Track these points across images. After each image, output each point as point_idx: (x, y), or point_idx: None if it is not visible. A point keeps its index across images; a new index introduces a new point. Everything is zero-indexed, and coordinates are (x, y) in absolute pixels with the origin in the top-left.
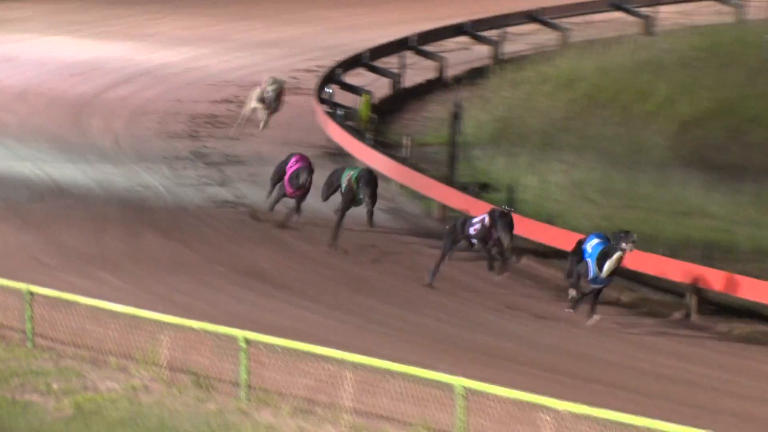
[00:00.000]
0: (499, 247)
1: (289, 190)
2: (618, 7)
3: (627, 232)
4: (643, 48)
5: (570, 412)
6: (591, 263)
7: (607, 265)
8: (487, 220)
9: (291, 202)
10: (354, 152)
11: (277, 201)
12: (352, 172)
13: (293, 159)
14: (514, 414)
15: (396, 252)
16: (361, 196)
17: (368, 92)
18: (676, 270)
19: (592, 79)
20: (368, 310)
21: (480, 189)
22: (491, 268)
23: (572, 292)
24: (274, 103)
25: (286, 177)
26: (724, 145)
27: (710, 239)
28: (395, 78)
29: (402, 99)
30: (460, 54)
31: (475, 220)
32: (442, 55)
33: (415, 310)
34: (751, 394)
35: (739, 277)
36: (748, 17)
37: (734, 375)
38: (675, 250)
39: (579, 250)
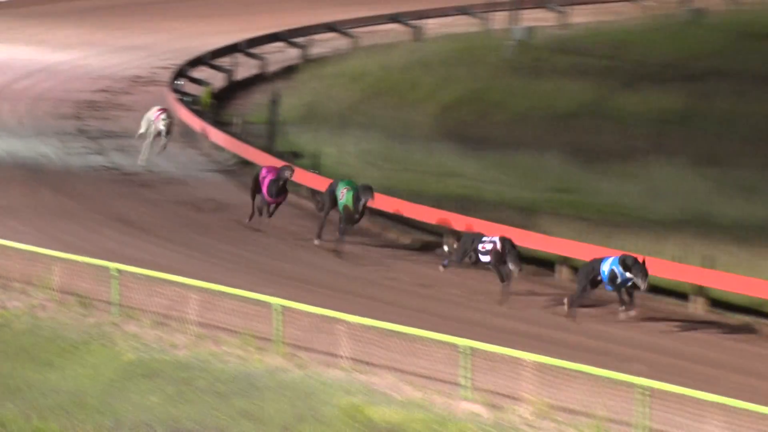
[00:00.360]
0: (505, 272)
1: (269, 199)
2: (395, 20)
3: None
4: (414, 51)
5: (361, 324)
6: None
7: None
8: (498, 245)
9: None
10: (197, 128)
11: (261, 208)
12: (346, 188)
13: (263, 170)
14: (318, 325)
15: (231, 204)
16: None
17: (209, 84)
18: (435, 216)
19: (375, 74)
20: (208, 247)
21: (294, 156)
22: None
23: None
24: (166, 135)
25: (264, 188)
26: (475, 123)
27: (464, 194)
28: (229, 73)
29: (234, 89)
30: (277, 55)
31: (486, 239)
32: (264, 56)
33: (245, 248)
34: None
35: (478, 221)
36: (492, 27)
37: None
38: (439, 202)
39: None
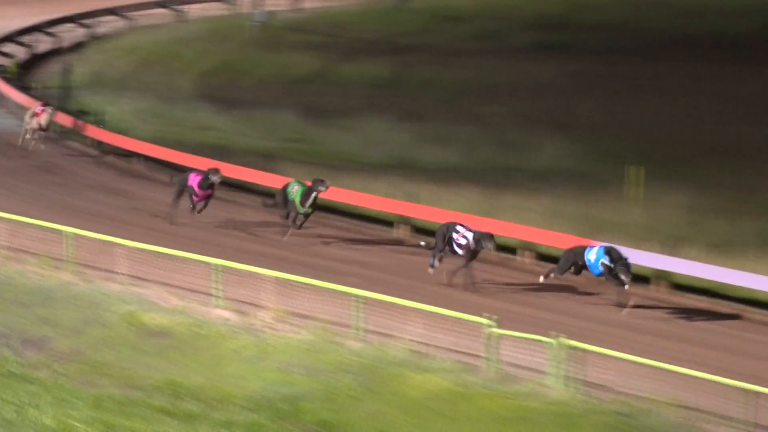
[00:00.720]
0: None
1: (200, 192)
2: (163, 5)
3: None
4: (177, 30)
5: (136, 248)
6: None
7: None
8: (472, 242)
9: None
10: (6, 93)
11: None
12: (297, 187)
13: (192, 175)
14: (102, 248)
15: (34, 152)
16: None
17: (16, 57)
18: (193, 161)
19: (147, 48)
20: (16, 187)
21: (82, 114)
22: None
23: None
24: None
25: (195, 185)
26: (226, 87)
27: (218, 144)
28: (31, 48)
29: (36, 61)
30: (69, 33)
31: (461, 231)
32: (59, 34)
33: (49, 188)
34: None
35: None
36: (241, 12)
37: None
38: (197, 150)
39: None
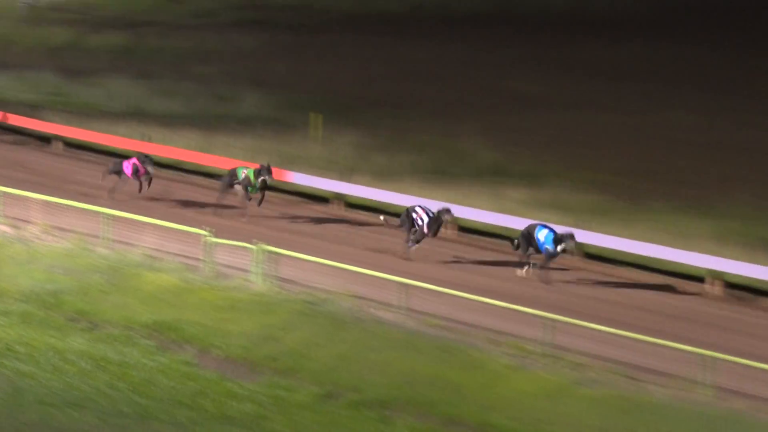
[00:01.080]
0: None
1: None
2: None
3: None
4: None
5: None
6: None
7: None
8: (426, 224)
9: None
10: None
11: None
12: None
13: (127, 161)
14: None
15: None
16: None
17: None
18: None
19: None
20: None
21: None
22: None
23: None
24: None
25: (129, 169)
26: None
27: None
28: None
29: None
30: None
31: (421, 214)
32: None
33: None
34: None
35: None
36: None
37: None
38: None
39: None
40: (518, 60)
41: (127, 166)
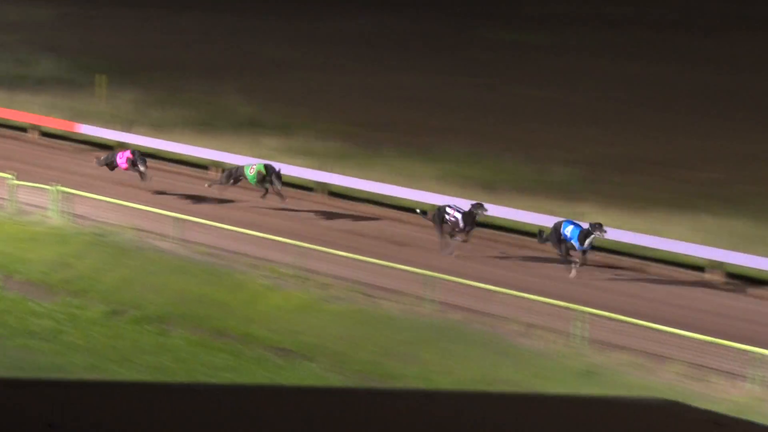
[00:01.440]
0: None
1: (123, 166)
2: None
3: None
4: None
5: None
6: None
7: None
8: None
9: None
10: None
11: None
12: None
13: (119, 154)
14: None
15: None
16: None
17: None
18: None
19: None
20: None
21: None
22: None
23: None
24: None
25: (122, 163)
26: None
27: None
28: None
29: None
30: None
31: (452, 212)
32: None
33: None
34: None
35: None
36: None
37: None
38: None
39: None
40: (273, 29)
41: (122, 158)
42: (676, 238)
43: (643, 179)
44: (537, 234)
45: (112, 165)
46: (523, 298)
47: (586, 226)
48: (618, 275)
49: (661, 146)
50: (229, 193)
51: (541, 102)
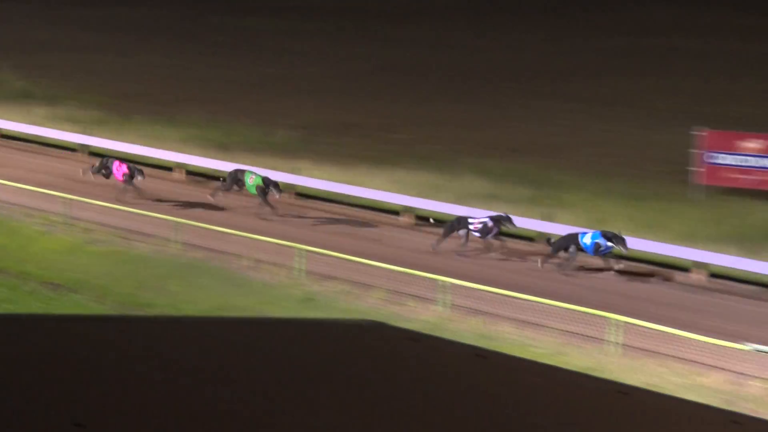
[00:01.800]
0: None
1: (120, 179)
2: None
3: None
4: None
5: None
6: None
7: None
8: (490, 223)
9: None
10: None
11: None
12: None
13: (116, 163)
14: None
15: None
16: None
17: None
18: None
19: None
20: None
21: None
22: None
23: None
24: None
25: (120, 175)
26: None
27: None
28: None
29: None
30: None
31: (476, 220)
32: None
33: None
34: None
35: None
36: None
37: None
38: None
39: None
40: (37, 15)
41: (118, 170)
42: (378, 189)
43: (350, 140)
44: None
45: (108, 174)
46: (253, 238)
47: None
48: (332, 218)
49: (365, 113)
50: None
51: (268, 78)
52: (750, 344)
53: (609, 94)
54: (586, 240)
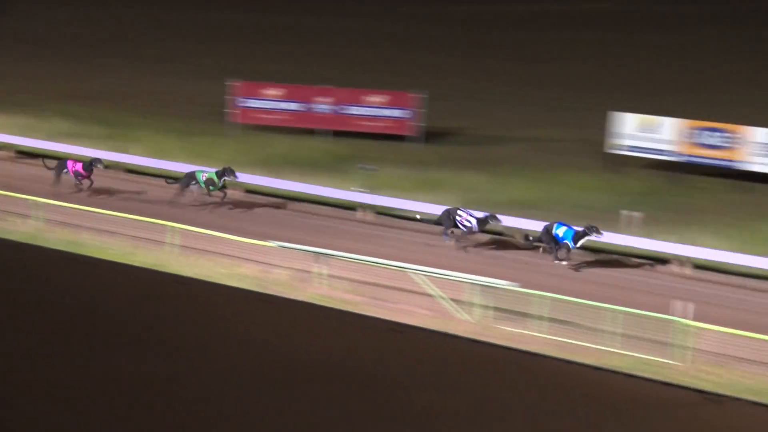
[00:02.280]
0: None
1: (85, 174)
2: None
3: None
4: None
5: None
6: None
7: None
8: (474, 224)
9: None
10: None
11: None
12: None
13: (69, 162)
14: None
15: None
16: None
17: None
18: None
19: None
20: None
21: None
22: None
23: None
24: None
25: (80, 168)
26: None
27: None
28: None
29: None
30: None
31: (464, 216)
32: None
33: None
34: None
35: None
36: None
37: None
38: None
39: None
40: None
41: (71, 167)
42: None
43: None
44: (524, 238)
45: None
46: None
47: (579, 228)
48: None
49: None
50: None
51: None
52: (275, 242)
53: (164, 54)
54: (559, 232)
